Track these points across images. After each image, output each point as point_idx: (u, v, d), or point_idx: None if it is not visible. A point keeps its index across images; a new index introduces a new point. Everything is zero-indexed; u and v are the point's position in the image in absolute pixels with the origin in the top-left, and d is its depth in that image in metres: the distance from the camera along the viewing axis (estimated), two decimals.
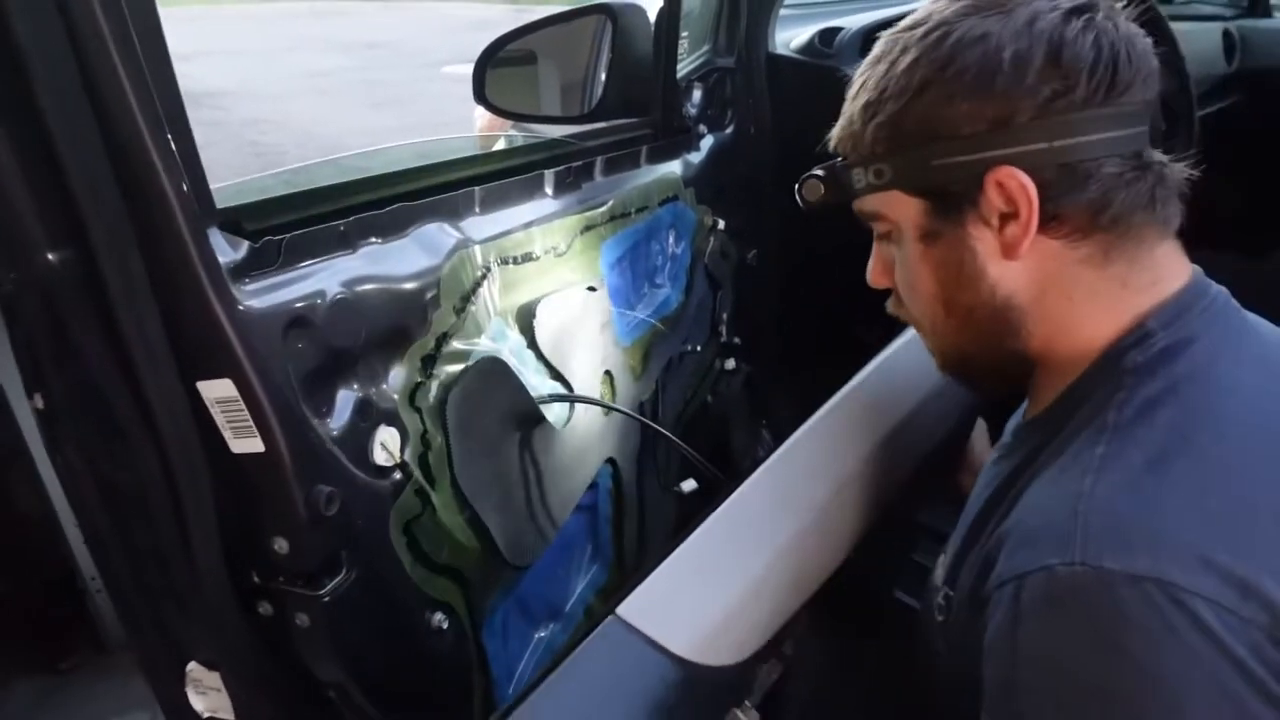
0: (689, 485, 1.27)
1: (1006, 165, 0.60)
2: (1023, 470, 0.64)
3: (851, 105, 0.68)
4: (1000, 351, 0.67)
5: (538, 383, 0.92)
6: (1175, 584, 0.49)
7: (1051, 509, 0.56)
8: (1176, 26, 1.46)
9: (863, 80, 0.67)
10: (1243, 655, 0.48)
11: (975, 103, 0.61)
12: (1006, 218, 0.62)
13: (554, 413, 0.95)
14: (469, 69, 1.16)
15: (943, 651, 0.71)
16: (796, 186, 0.74)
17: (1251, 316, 0.67)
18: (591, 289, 1.01)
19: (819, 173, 0.72)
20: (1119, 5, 0.64)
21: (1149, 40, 0.65)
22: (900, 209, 0.67)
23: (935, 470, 0.96)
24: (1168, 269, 0.65)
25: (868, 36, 1.47)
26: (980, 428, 1.03)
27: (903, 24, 0.66)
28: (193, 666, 0.75)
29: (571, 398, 0.98)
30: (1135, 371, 0.60)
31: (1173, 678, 0.48)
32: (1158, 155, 0.64)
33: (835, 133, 0.71)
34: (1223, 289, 0.66)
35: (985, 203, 0.62)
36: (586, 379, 1.01)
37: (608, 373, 1.07)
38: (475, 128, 2.09)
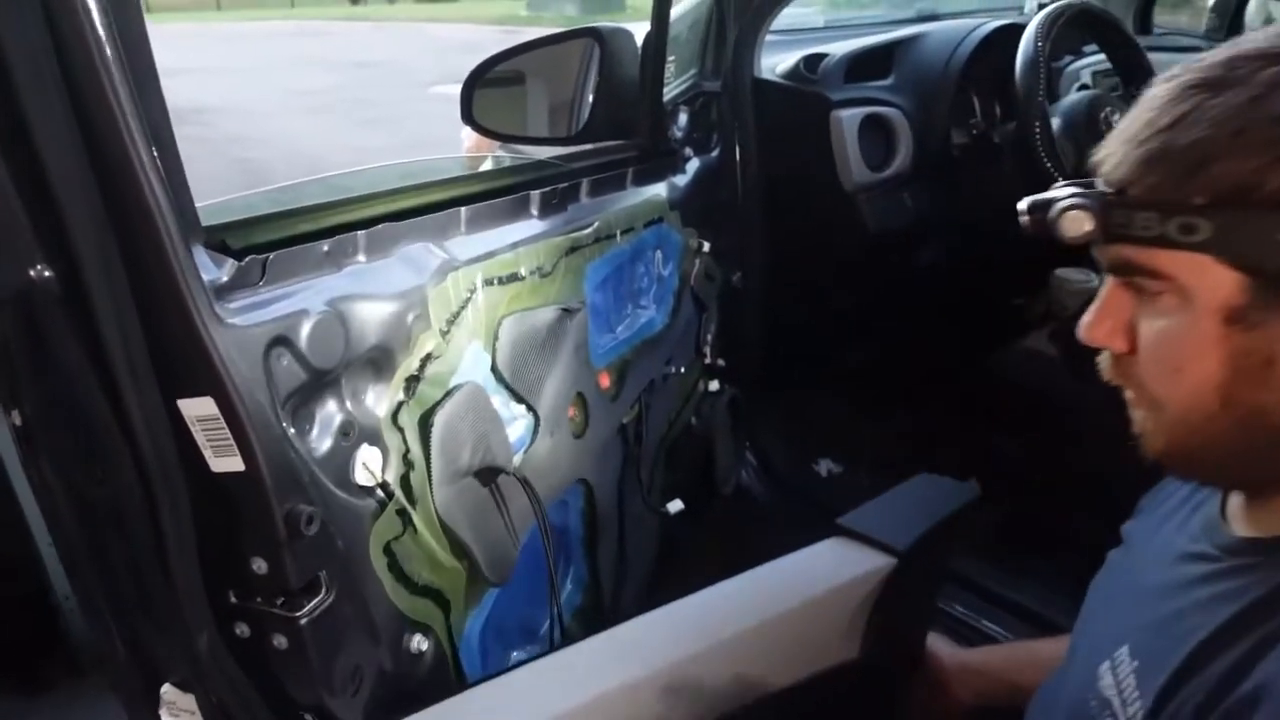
0: (675, 506, 1.26)
1: None
2: (1270, 603, 0.55)
3: (1167, 133, 0.54)
4: (1256, 459, 0.57)
5: (499, 404, 0.92)
6: None
7: None
8: (1154, 57, 1.50)
9: (1194, 102, 0.53)
10: None
11: None
12: None
13: (515, 435, 0.94)
14: (457, 89, 1.17)
15: None
16: (1037, 210, 0.61)
17: None
18: (566, 310, 1.01)
19: (1085, 202, 0.57)
20: None
21: None
22: (1202, 277, 0.54)
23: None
24: None
25: (852, 63, 1.50)
26: (935, 637, 0.95)
27: (1266, 44, 0.53)
28: (167, 688, 0.74)
29: None
30: None
31: None
32: None
33: (1120, 155, 0.56)
34: None
35: None
36: (553, 401, 1.00)
37: (579, 394, 1.06)
38: (463, 148, 2.10)
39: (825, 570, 0.85)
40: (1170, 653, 0.59)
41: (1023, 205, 0.62)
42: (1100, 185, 0.57)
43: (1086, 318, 0.61)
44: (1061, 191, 0.58)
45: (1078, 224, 0.57)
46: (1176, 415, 0.58)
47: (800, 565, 0.86)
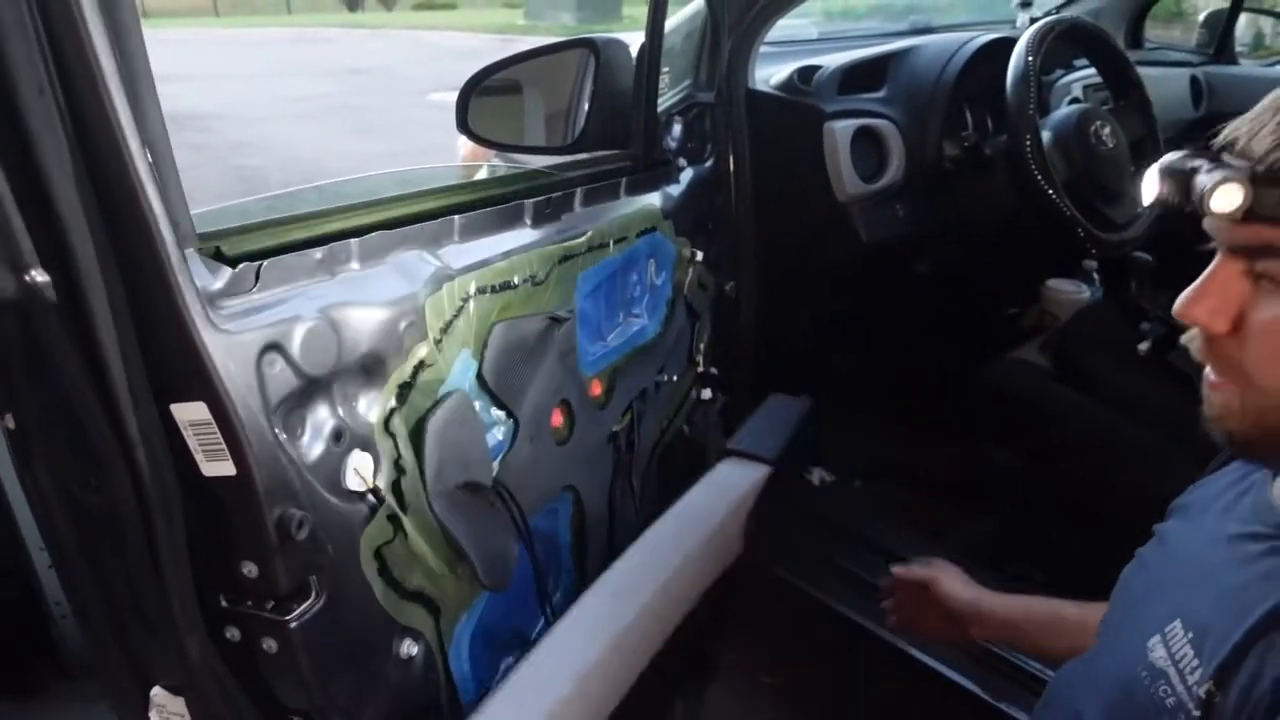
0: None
1: None
2: None
3: None
4: None
5: (481, 409, 0.92)
6: None
7: None
8: (1145, 72, 1.52)
9: None
10: None
11: None
12: None
13: (493, 441, 0.95)
14: (454, 97, 1.17)
15: None
16: (1176, 176, 0.58)
17: None
18: (556, 318, 1.01)
19: (1238, 175, 0.55)
20: None
21: None
22: None
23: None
24: None
25: (845, 75, 1.51)
26: (954, 572, 1.01)
27: None
28: (157, 692, 0.74)
29: None
30: None
31: None
32: None
33: (1265, 137, 0.55)
34: None
35: None
36: (534, 407, 1.00)
37: (564, 402, 1.07)
38: (458, 156, 2.11)
39: (723, 487, 1.12)
40: (1234, 624, 0.59)
41: (1156, 170, 0.59)
42: (1235, 162, 0.55)
43: (1187, 294, 0.60)
44: (1200, 160, 0.56)
45: (1230, 197, 0.54)
46: (1268, 402, 0.58)
47: (706, 488, 1.16)
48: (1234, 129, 0.57)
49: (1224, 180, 0.54)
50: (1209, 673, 0.59)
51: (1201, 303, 0.59)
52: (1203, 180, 0.55)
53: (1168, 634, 0.64)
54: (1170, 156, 0.59)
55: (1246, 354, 0.58)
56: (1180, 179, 0.57)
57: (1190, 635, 0.62)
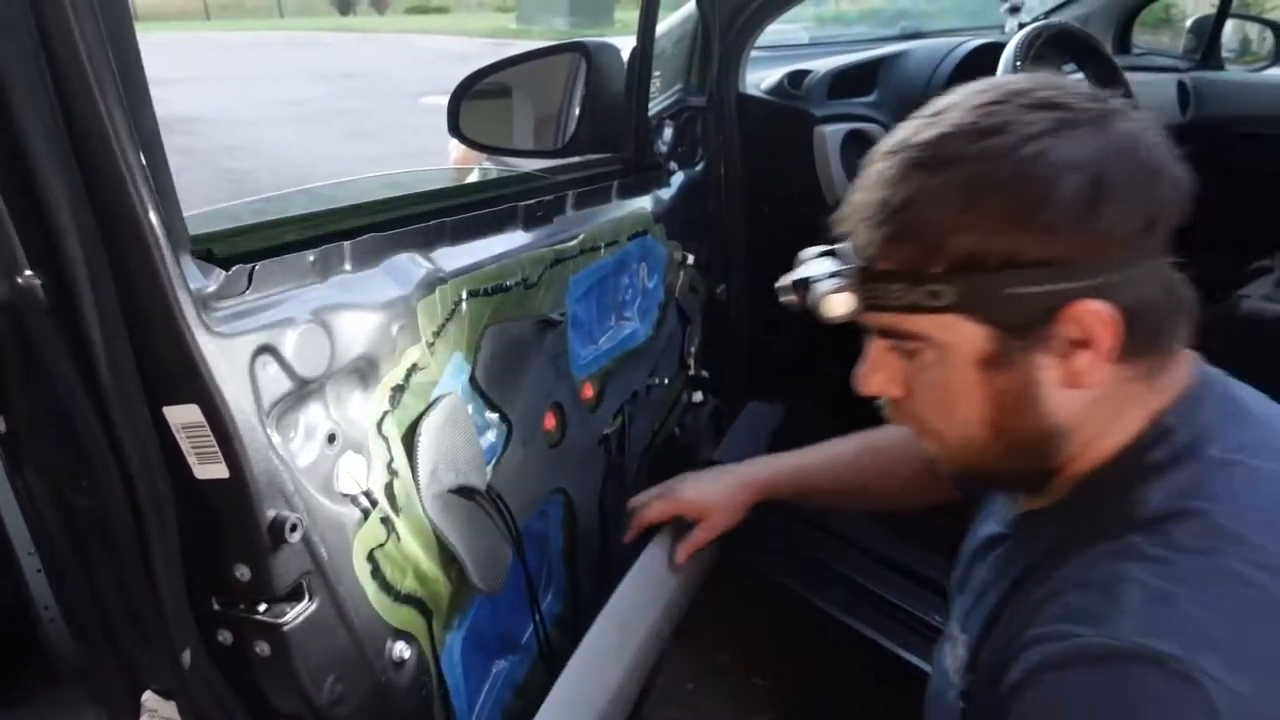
0: None
1: (1090, 299, 0.56)
2: (1041, 563, 0.62)
3: (902, 212, 0.59)
4: (1031, 468, 0.64)
5: (474, 413, 0.92)
6: (1198, 667, 0.48)
7: (1089, 595, 0.54)
8: (1133, 77, 1.53)
9: (920, 182, 0.58)
10: None
11: (1072, 233, 0.55)
12: (1076, 347, 0.58)
13: (487, 444, 0.95)
14: (446, 100, 1.18)
15: None
16: (799, 289, 0.66)
17: (1241, 390, 0.65)
18: (548, 321, 1.02)
19: (841, 282, 0.62)
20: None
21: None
22: (955, 334, 0.60)
23: None
24: (1181, 368, 0.63)
25: (835, 79, 1.52)
26: (687, 483, 1.06)
27: (968, 121, 0.58)
28: (148, 696, 0.74)
29: None
30: (1159, 467, 0.59)
31: None
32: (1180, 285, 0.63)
33: (865, 234, 0.61)
34: (1218, 372, 0.65)
35: (1059, 332, 0.58)
36: (527, 410, 1.01)
37: (557, 404, 1.07)
38: (449, 160, 2.11)
39: None
40: (979, 622, 0.67)
41: (785, 282, 0.67)
42: (851, 257, 0.63)
43: (858, 371, 0.68)
44: (820, 269, 0.64)
45: (841, 305, 0.63)
46: (956, 446, 0.66)
47: None
48: (844, 218, 0.64)
49: (831, 291, 0.63)
50: (965, 667, 0.67)
51: (870, 378, 0.67)
52: (816, 292, 0.64)
53: (954, 640, 0.72)
54: (797, 270, 0.67)
55: (921, 412, 0.66)
56: (801, 291, 0.66)
57: (964, 638, 0.70)
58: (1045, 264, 0.56)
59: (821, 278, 0.64)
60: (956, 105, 0.61)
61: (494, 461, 0.95)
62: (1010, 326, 0.59)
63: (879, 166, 0.62)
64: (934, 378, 0.63)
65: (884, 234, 0.60)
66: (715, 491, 1.04)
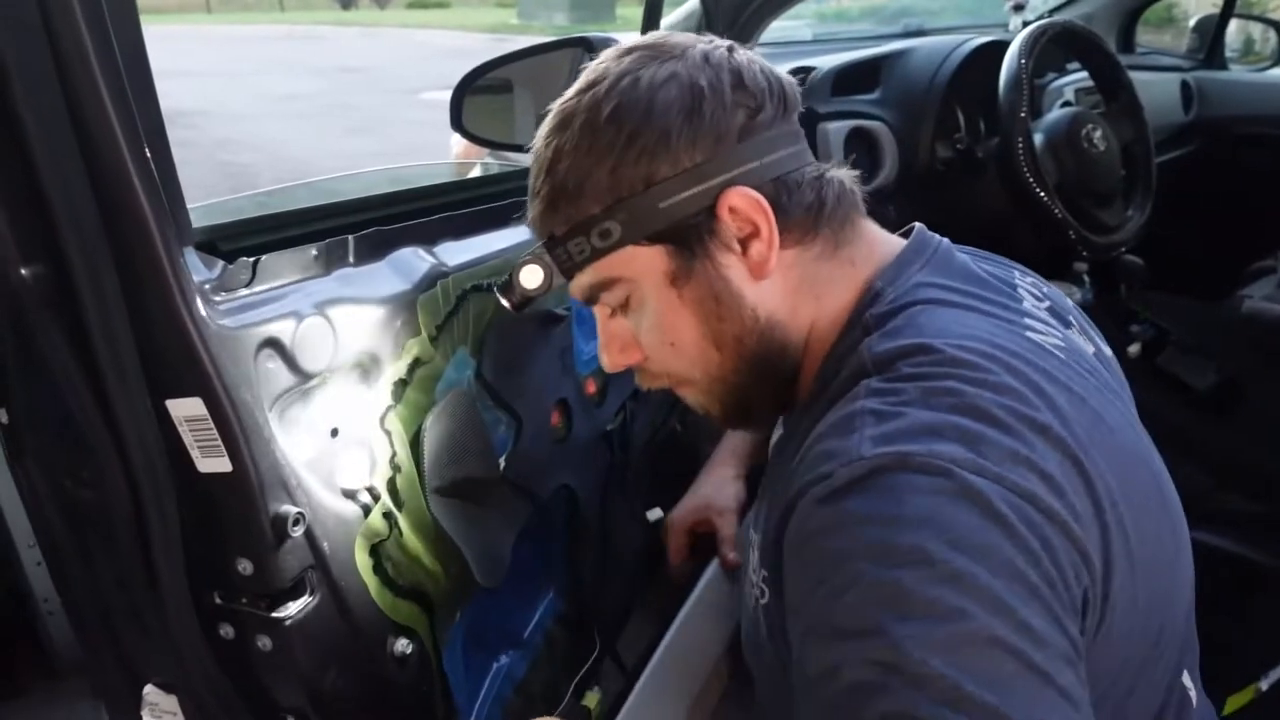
0: (655, 514, 1.27)
1: (734, 187, 0.63)
2: (802, 441, 0.64)
3: (548, 178, 0.67)
4: (776, 374, 0.69)
5: (483, 408, 0.92)
6: (939, 455, 0.51)
7: (829, 440, 0.57)
8: (1136, 76, 1.53)
9: (553, 147, 0.66)
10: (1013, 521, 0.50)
11: (686, 135, 0.63)
12: (747, 240, 0.65)
13: (498, 440, 0.95)
14: (447, 95, 1.17)
15: (764, 636, 0.71)
16: (504, 284, 0.72)
17: (961, 253, 0.71)
18: (552, 316, 1.01)
19: (532, 256, 0.69)
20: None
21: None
22: (638, 264, 0.66)
23: None
24: (882, 241, 0.70)
25: (838, 76, 1.51)
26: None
27: (576, 87, 0.67)
28: (149, 689, 0.74)
29: None
30: (876, 320, 0.63)
31: (952, 526, 0.49)
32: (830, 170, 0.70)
33: (534, 213, 0.70)
34: (944, 240, 0.71)
35: (723, 229, 0.64)
36: (536, 406, 1.00)
37: (563, 400, 1.07)
38: (451, 154, 2.11)
39: None
40: (764, 515, 0.70)
41: (498, 288, 0.73)
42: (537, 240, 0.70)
43: (600, 354, 0.73)
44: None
45: (534, 276, 0.69)
46: (701, 378, 0.70)
47: None
48: (528, 210, 0.71)
49: (521, 265, 0.70)
50: (756, 561, 0.71)
51: (608, 352, 0.73)
52: (512, 276, 0.70)
53: (751, 546, 0.75)
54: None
55: (659, 361, 0.71)
56: (506, 290, 0.72)
57: (757, 538, 0.73)
58: (679, 174, 0.63)
59: (517, 266, 0.70)
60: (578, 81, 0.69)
61: (504, 457, 0.95)
62: (677, 238, 0.65)
63: (534, 146, 0.69)
64: (649, 321, 0.68)
65: (543, 204, 0.68)
66: (738, 491, 1.04)
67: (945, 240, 0.71)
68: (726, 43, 0.68)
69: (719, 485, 1.06)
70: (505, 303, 0.73)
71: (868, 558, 0.49)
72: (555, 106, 0.68)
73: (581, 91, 0.66)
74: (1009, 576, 0.47)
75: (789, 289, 0.67)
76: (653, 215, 0.64)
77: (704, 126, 0.63)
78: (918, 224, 0.72)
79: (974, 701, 0.43)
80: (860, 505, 0.52)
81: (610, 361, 0.73)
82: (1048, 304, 0.70)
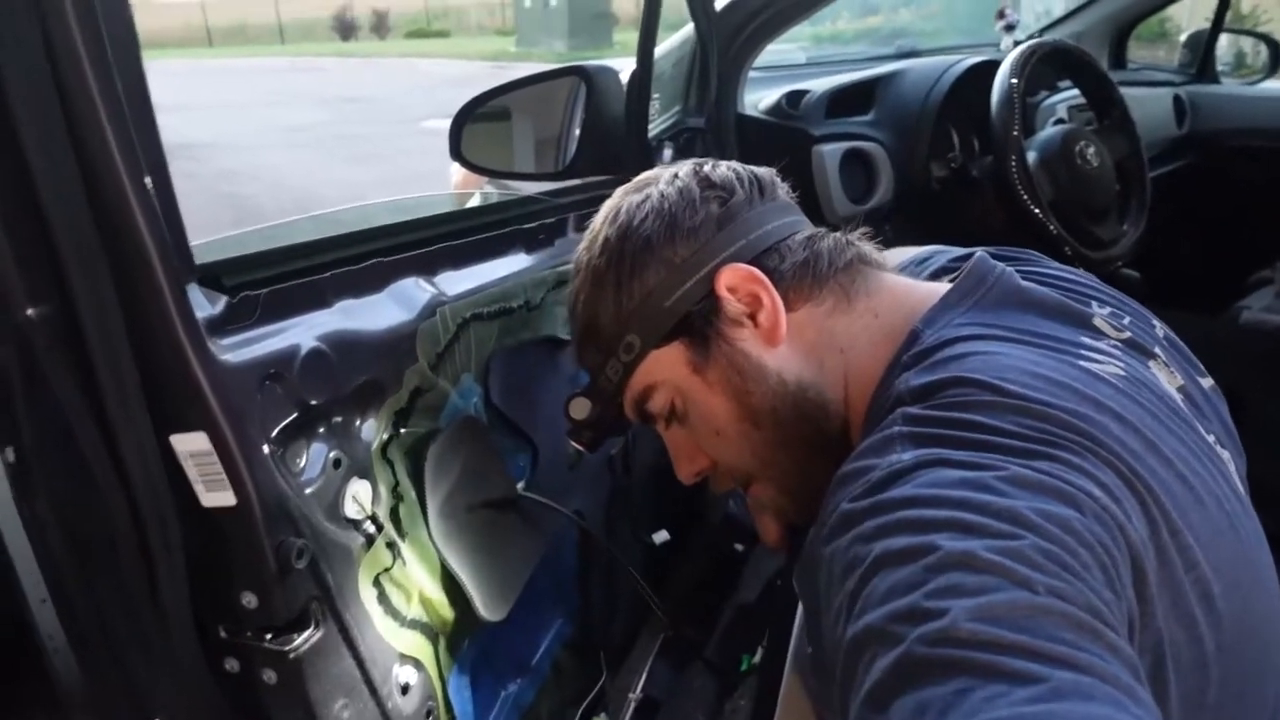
0: (661, 536, 1.27)
1: (725, 267, 0.67)
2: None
3: (574, 321, 0.75)
4: (824, 437, 0.67)
5: (496, 437, 0.93)
6: (986, 461, 0.49)
7: (862, 459, 0.55)
8: (1129, 92, 1.54)
9: (572, 294, 0.75)
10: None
11: (666, 238, 0.69)
12: (753, 313, 0.68)
13: (514, 468, 0.95)
14: (448, 124, 1.19)
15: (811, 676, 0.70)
16: (572, 441, 0.80)
17: (1029, 292, 0.67)
18: (556, 342, 1.02)
19: (579, 390, 0.76)
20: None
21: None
22: (663, 365, 0.70)
23: None
24: (912, 290, 0.70)
25: (833, 98, 1.53)
26: None
27: (584, 240, 0.75)
28: None
29: None
30: (914, 358, 0.61)
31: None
32: (824, 231, 0.73)
33: (576, 356, 0.78)
34: (1005, 271, 0.67)
35: (727, 308, 0.68)
36: (548, 432, 1.01)
37: None
38: (450, 183, 2.12)
39: None
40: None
41: (568, 434, 0.80)
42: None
43: (676, 471, 0.76)
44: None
45: (580, 408, 0.76)
46: (758, 466, 0.71)
47: None
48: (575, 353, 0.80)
49: (569, 400, 0.77)
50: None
51: (682, 466, 0.75)
52: (568, 413, 0.77)
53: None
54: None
55: (724, 459, 0.72)
56: (574, 432, 0.79)
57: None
58: (671, 273, 0.69)
59: (572, 396, 0.77)
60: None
61: (520, 484, 0.95)
62: (688, 330, 0.69)
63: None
64: (693, 417, 0.71)
65: (577, 345, 0.77)
66: None
67: (1007, 270, 0.68)
68: (692, 161, 0.75)
69: None
70: (574, 445, 0.80)
71: (908, 530, 0.46)
72: (572, 260, 0.77)
73: (587, 241, 0.74)
74: (1066, 550, 0.45)
75: (809, 348, 0.68)
76: (660, 316, 0.69)
77: (681, 226, 0.69)
78: (979, 252, 0.70)
79: (1049, 656, 0.40)
80: (903, 490, 0.49)
81: (684, 474, 0.75)
82: (1128, 335, 0.67)
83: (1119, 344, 0.65)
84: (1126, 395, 0.58)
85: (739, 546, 1.36)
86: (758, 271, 0.67)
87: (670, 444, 0.76)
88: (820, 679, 0.65)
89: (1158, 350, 0.68)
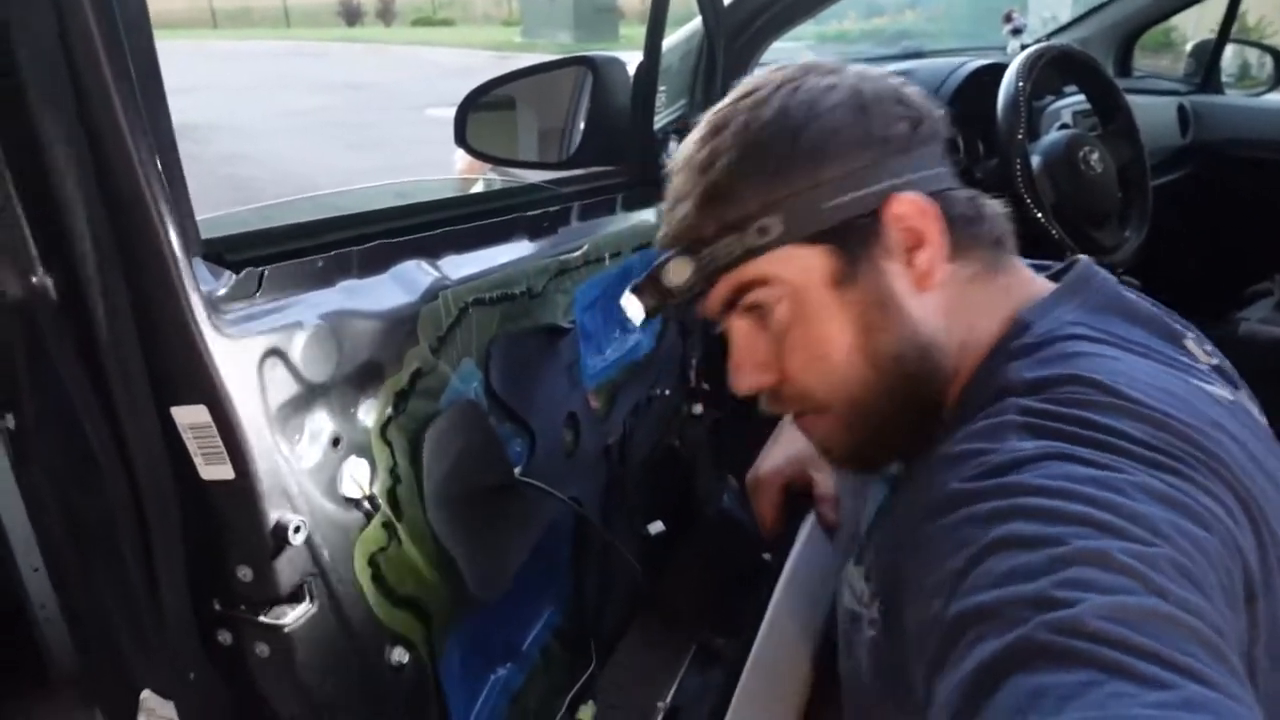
0: (656, 527, 1.27)
1: (900, 193, 0.61)
2: (932, 469, 0.60)
3: (701, 178, 0.65)
4: (921, 402, 0.64)
5: (495, 422, 0.93)
6: (1111, 461, 0.48)
7: (975, 442, 0.53)
8: (1133, 100, 1.55)
9: (709, 148, 0.65)
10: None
11: (852, 138, 0.61)
12: (912, 249, 0.62)
13: (512, 453, 0.95)
14: (451, 112, 1.19)
15: (865, 670, 0.68)
16: (639, 284, 0.68)
17: (1131, 302, 0.65)
18: (557, 330, 1.02)
19: (676, 253, 0.66)
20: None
21: None
22: (796, 264, 0.62)
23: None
24: (1033, 279, 0.67)
25: None
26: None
27: (732, 97, 0.66)
28: (146, 695, 0.74)
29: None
30: (1023, 349, 0.59)
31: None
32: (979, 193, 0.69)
33: (680, 214, 0.66)
34: (1108, 278, 0.66)
35: (887, 235, 0.62)
36: (547, 420, 1.01)
37: (571, 414, 1.08)
38: (455, 170, 2.12)
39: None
40: (879, 546, 0.69)
41: (630, 291, 0.69)
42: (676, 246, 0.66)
43: (731, 375, 0.67)
44: (654, 268, 0.67)
45: (681, 271, 0.65)
46: (843, 403, 0.64)
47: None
48: (666, 210, 0.68)
49: (666, 261, 0.66)
50: (868, 595, 0.68)
51: (741, 372, 0.67)
52: (656, 272, 0.66)
53: (849, 585, 0.73)
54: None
55: (800, 382, 0.65)
56: (648, 283, 0.67)
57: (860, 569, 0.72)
58: (846, 174, 0.61)
59: (658, 265, 0.67)
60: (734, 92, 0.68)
61: (518, 470, 0.96)
62: (841, 239, 0.62)
63: (676, 157, 0.68)
64: (799, 331, 0.64)
65: (693, 204, 0.65)
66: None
67: (1110, 278, 0.66)
68: (881, 68, 0.67)
69: (807, 443, 1.01)
70: (635, 306, 0.69)
71: (1036, 518, 0.45)
72: (706, 116, 0.67)
73: (739, 99, 0.65)
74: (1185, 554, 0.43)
75: (946, 308, 0.63)
76: (817, 214, 0.61)
77: (872, 128, 0.62)
78: (1083, 257, 0.68)
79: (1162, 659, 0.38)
80: (1027, 478, 0.47)
81: (744, 382, 0.67)
82: (1215, 361, 0.65)
83: (1209, 368, 0.63)
84: (1237, 419, 0.56)
85: (766, 556, 1.34)
86: (935, 208, 0.62)
87: (742, 347, 0.67)
88: (883, 672, 0.64)
89: (1239, 382, 0.66)
